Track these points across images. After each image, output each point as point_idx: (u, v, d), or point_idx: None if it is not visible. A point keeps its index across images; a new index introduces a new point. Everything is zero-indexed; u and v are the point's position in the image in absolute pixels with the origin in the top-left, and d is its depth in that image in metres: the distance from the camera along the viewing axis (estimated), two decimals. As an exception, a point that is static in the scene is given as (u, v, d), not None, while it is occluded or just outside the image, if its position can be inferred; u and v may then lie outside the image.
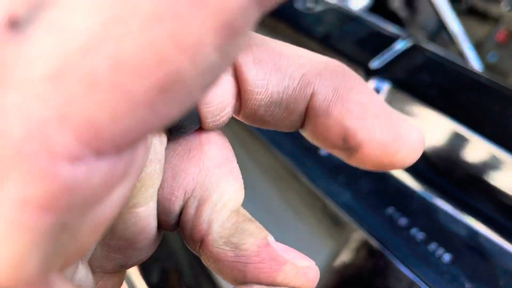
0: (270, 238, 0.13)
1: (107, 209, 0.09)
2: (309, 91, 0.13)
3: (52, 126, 0.07)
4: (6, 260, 0.07)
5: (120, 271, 0.15)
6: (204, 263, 0.14)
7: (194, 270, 0.41)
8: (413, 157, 0.13)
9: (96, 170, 0.07)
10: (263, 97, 0.13)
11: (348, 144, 0.12)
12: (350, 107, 0.12)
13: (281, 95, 0.13)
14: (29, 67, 0.07)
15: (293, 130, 0.14)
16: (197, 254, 0.14)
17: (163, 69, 0.07)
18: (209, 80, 0.08)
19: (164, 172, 0.14)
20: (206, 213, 0.13)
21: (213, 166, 0.14)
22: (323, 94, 0.13)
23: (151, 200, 0.13)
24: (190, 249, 0.14)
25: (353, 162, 0.13)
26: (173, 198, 0.13)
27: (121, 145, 0.07)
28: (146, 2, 0.07)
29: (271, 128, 0.14)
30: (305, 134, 0.14)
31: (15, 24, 0.07)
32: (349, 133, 0.12)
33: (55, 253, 0.08)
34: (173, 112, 0.08)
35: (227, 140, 0.15)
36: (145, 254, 0.14)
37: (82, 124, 0.07)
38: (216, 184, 0.14)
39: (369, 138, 0.12)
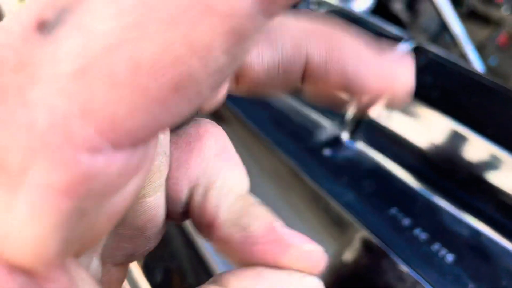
0: (277, 223, 0.14)
1: (121, 199, 0.09)
2: (303, 55, 0.14)
3: (75, 119, 0.07)
4: (28, 241, 0.08)
5: (125, 264, 0.15)
6: (214, 248, 0.14)
7: (197, 270, 0.41)
8: (408, 87, 0.14)
9: (113, 162, 0.08)
10: (260, 68, 0.14)
11: (351, 92, 0.14)
12: (345, 61, 0.14)
13: (277, 63, 0.14)
14: (55, 65, 0.07)
15: (293, 90, 0.15)
16: (207, 239, 0.15)
17: (176, 69, 0.07)
18: (218, 80, 0.08)
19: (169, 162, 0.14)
20: (213, 198, 0.14)
21: (213, 155, 0.15)
22: (317, 55, 0.14)
23: (158, 190, 0.14)
24: (200, 235, 0.15)
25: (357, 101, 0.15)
26: (179, 188, 0.14)
27: (137, 139, 0.08)
28: (162, 9, 0.07)
29: (272, 93, 0.15)
30: (306, 90, 0.15)
31: (43, 27, 0.08)
32: (350, 84, 0.14)
33: (73, 238, 0.08)
34: (184, 109, 0.08)
35: (223, 131, 0.16)
36: (152, 243, 0.15)
37: (102, 118, 0.07)
38: (218, 171, 0.14)
39: (368, 84, 0.14)
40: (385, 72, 0.14)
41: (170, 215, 0.15)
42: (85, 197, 0.08)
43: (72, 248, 0.09)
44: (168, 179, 0.14)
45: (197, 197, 0.14)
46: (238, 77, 0.14)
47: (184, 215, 0.15)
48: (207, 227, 0.14)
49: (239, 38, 0.08)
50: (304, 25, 0.14)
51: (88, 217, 0.09)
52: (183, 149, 0.14)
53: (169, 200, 0.14)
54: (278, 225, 0.14)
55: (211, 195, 0.14)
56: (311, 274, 0.13)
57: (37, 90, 0.07)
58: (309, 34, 0.14)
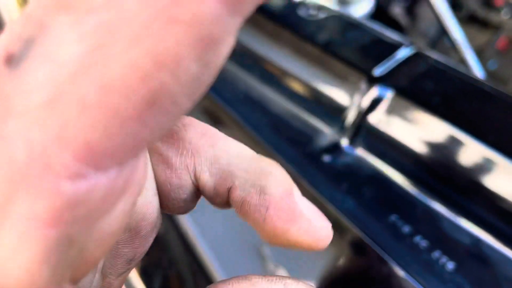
0: (296, 190, 0.14)
1: (110, 224, 0.09)
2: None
3: (52, 148, 0.07)
4: (19, 270, 0.08)
5: (125, 273, 0.15)
6: (236, 214, 0.14)
7: (195, 277, 0.41)
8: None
9: (96, 185, 0.08)
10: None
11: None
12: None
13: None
14: (26, 97, 0.07)
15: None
16: (226, 208, 0.15)
17: (146, 85, 0.07)
18: (194, 88, 0.08)
19: (157, 159, 0.14)
20: (225, 166, 0.14)
21: (200, 136, 0.14)
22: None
23: (144, 187, 0.14)
24: (218, 207, 0.15)
25: None
26: (178, 176, 0.14)
27: (118, 158, 0.08)
28: (123, 27, 0.07)
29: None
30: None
31: (11, 60, 0.08)
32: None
33: (65, 265, 0.09)
34: (163, 121, 0.08)
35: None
36: (149, 242, 0.15)
37: (78, 144, 0.07)
38: (214, 144, 0.14)
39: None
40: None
41: (171, 206, 0.15)
42: (70, 224, 0.08)
43: (65, 274, 0.09)
44: (163, 173, 0.14)
45: (204, 174, 0.14)
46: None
47: (187, 201, 0.15)
48: (225, 193, 0.14)
49: (209, 44, 0.08)
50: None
51: (77, 244, 0.09)
52: (169, 142, 0.14)
53: (170, 191, 0.15)
54: (296, 193, 0.14)
55: (221, 163, 0.14)
56: (316, 248, 0.14)
57: (12, 124, 0.07)
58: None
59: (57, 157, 0.07)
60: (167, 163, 0.14)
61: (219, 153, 0.14)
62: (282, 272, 0.42)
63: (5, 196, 0.08)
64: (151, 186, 0.14)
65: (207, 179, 0.14)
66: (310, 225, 0.13)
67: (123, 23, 0.07)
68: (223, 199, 0.15)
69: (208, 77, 0.08)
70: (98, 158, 0.08)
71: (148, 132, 0.08)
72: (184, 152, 0.14)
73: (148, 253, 0.16)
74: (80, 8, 0.07)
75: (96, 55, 0.07)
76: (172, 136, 0.14)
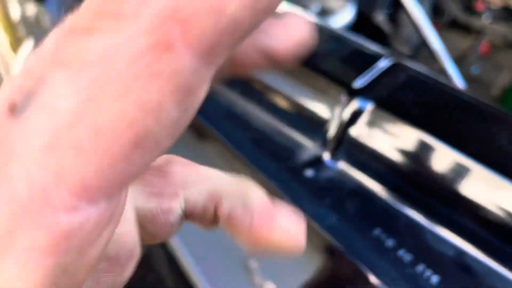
0: (268, 198, 0.16)
1: (96, 249, 0.10)
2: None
3: (50, 186, 0.08)
4: None
5: None
6: (225, 231, 0.16)
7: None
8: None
9: (88, 217, 0.09)
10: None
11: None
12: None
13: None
14: (28, 142, 0.09)
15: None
16: (213, 226, 0.17)
17: (133, 129, 0.09)
18: (174, 130, 0.09)
19: (149, 190, 0.16)
20: (211, 188, 0.16)
21: (184, 167, 0.16)
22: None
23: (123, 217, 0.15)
24: (206, 226, 0.17)
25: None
26: (168, 202, 0.16)
27: (108, 193, 0.09)
28: (113, 81, 0.08)
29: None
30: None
31: (14, 109, 0.09)
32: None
33: None
34: (147, 159, 0.09)
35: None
36: (129, 270, 0.16)
37: (74, 181, 0.09)
38: (198, 173, 0.16)
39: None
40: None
41: (159, 232, 0.16)
42: (66, 253, 0.09)
43: None
44: (152, 203, 0.16)
45: (194, 197, 0.16)
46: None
47: (174, 226, 0.16)
48: (212, 216, 0.16)
49: (187, 92, 0.09)
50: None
51: (69, 270, 0.09)
52: (158, 175, 0.16)
53: (161, 217, 0.16)
54: (269, 199, 0.16)
55: (208, 185, 0.16)
56: (295, 245, 0.15)
57: (14, 166, 0.09)
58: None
59: (55, 193, 0.08)
60: (156, 192, 0.16)
61: (204, 179, 0.16)
62: (269, 285, 0.42)
63: (8, 229, 0.09)
64: (130, 216, 0.15)
65: (196, 201, 0.16)
66: (290, 219, 0.15)
67: (112, 78, 0.08)
68: (211, 218, 0.16)
69: (186, 119, 0.10)
70: (90, 193, 0.09)
71: (133, 169, 0.09)
72: (174, 181, 0.16)
73: (134, 272, 0.16)
74: (74, 64, 0.09)
75: (89, 105, 0.08)
76: (160, 169, 0.16)
